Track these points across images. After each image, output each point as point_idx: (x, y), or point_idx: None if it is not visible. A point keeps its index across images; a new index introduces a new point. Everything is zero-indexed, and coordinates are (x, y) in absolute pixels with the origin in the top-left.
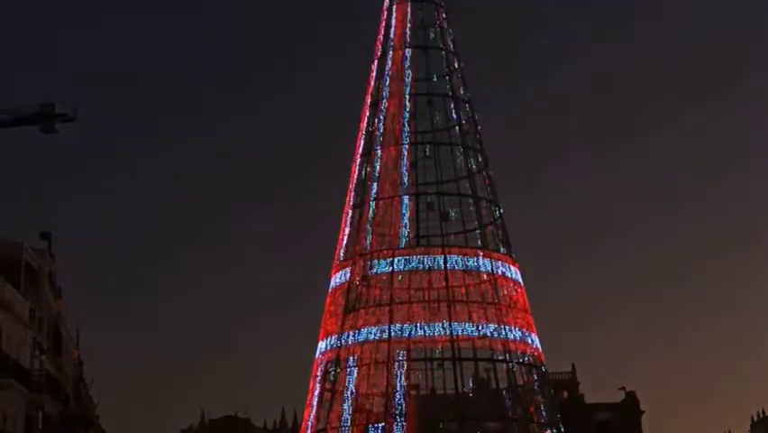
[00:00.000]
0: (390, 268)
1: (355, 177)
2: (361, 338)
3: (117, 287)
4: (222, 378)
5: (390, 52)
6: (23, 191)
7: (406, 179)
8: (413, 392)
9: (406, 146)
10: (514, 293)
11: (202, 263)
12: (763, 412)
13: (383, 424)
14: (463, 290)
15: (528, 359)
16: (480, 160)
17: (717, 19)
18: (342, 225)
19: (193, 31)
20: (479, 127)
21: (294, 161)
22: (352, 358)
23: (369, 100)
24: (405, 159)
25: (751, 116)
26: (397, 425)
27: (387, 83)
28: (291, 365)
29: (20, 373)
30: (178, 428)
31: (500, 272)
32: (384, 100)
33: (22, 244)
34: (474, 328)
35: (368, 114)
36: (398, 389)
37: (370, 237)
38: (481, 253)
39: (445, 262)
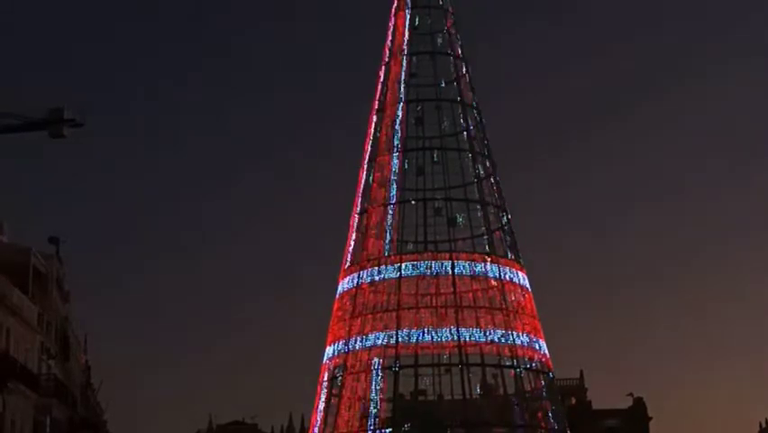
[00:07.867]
0: (398, 273)
1: (362, 182)
2: (369, 344)
3: (124, 291)
4: (229, 383)
5: (397, 58)
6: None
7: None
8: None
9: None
10: (521, 299)
11: (206, 265)
12: None
13: (390, 429)
14: (471, 295)
15: (536, 365)
16: (487, 165)
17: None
18: (350, 231)
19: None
20: (486, 132)
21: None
22: (359, 363)
23: (375, 106)
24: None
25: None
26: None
27: (393, 88)
28: (299, 370)
29: (28, 377)
30: None
31: (508, 278)
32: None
33: (31, 248)
34: (482, 334)
35: (375, 119)
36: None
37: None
38: (489, 259)
39: (453, 268)
